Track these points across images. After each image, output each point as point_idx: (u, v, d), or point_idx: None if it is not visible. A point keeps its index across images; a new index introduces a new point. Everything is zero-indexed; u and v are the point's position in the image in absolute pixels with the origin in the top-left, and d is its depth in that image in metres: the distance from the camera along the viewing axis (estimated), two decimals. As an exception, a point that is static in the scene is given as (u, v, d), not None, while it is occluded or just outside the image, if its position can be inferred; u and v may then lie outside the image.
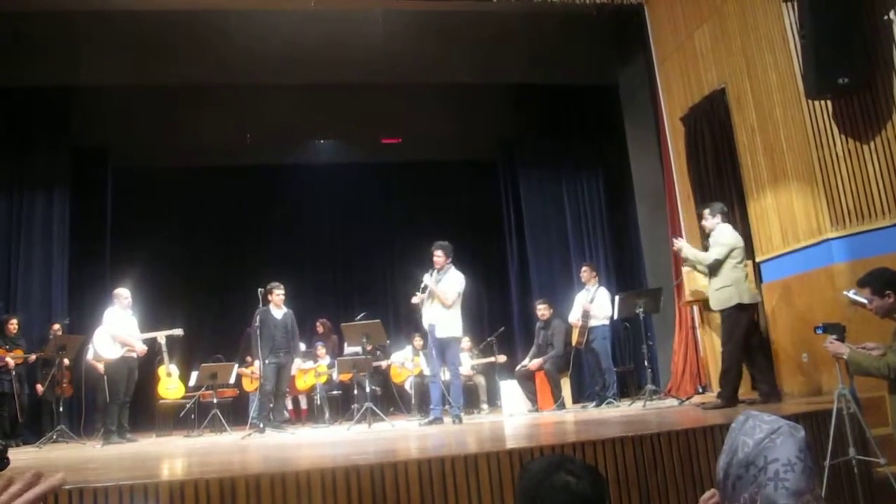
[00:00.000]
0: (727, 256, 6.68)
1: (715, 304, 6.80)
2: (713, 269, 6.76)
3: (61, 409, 9.23)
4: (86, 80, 10.67)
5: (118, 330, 8.75)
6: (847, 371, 4.49)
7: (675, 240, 7.46)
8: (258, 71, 10.71)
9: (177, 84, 10.97)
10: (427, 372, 11.12)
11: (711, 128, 8.42)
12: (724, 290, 6.65)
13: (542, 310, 10.05)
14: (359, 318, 9.63)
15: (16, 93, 10.69)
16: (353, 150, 14.07)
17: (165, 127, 11.86)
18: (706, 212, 7.00)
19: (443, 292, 7.97)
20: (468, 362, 10.84)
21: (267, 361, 8.89)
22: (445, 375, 8.32)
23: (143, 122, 11.61)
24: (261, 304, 8.95)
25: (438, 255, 8.16)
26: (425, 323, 8.19)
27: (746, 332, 6.69)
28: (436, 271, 8.15)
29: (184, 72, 10.68)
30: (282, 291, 9.17)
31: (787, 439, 1.64)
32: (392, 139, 13.71)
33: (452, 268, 8.19)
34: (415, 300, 8.32)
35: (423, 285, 8.10)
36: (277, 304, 9.14)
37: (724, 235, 6.78)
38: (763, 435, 1.65)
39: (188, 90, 11.21)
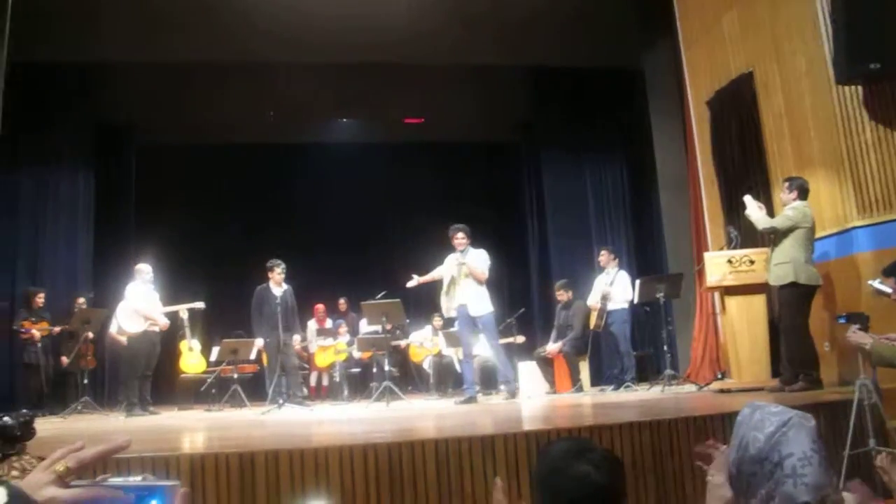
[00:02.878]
0: (787, 230, 6.39)
1: (772, 280, 6.55)
2: (774, 240, 6.52)
3: (86, 381, 9.35)
4: (110, 56, 10.71)
5: (141, 304, 8.84)
6: (869, 361, 4.46)
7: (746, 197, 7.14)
8: (282, 49, 10.69)
9: (200, 61, 10.99)
10: (445, 352, 11.20)
11: (737, 113, 8.33)
12: (782, 267, 6.39)
13: (561, 292, 10.04)
14: (378, 297, 9.66)
15: (41, 69, 10.74)
16: (375, 130, 14.07)
17: (189, 104, 11.91)
18: (785, 185, 6.67)
19: (476, 269, 8.06)
20: (485, 343, 10.84)
21: (267, 339, 8.99)
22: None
23: (167, 98, 11.66)
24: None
25: (460, 238, 8.22)
26: (454, 305, 8.22)
27: (806, 315, 6.37)
28: (459, 253, 8.22)
29: (207, 49, 10.68)
30: (283, 269, 9.21)
31: (798, 431, 1.61)
32: (414, 119, 13.69)
33: (471, 247, 8.27)
34: (410, 284, 8.49)
35: (459, 264, 8.15)
36: (277, 282, 9.17)
37: (792, 209, 6.48)
38: (773, 428, 1.62)
39: (212, 67, 11.22)
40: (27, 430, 1.79)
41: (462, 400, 8.05)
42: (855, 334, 4.37)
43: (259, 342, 9.36)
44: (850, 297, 6.48)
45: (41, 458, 1.61)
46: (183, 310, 9.70)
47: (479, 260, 8.18)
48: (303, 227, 13.54)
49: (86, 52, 10.68)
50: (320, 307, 12.10)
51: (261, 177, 13.90)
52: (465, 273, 8.11)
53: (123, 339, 9.18)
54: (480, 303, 8.08)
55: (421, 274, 8.65)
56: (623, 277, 9.56)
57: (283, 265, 9.22)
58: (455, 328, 10.99)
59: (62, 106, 11.16)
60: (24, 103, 10.44)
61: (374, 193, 14.15)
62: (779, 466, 1.58)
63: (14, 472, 1.55)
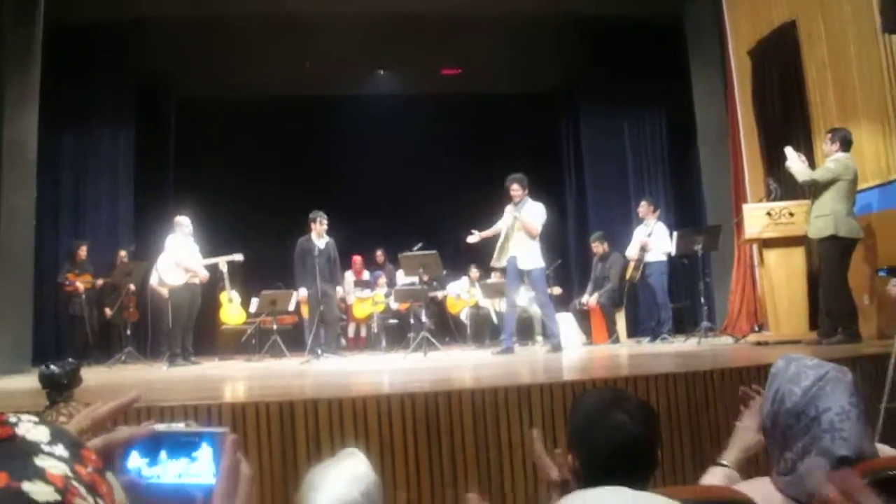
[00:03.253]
0: (829, 182, 6.31)
1: (812, 232, 6.50)
2: (815, 192, 6.43)
3: (129, 332, 9.56)
4: (148, 12, 10.73)
5: (182, 256, 8.97)
6: (909, 314, 4.43)
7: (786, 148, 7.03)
8: (318, 0, 10.66)
9: (237, 14, 10.96)
10: (482, 303, 11.26)
11: (780, 63, 8.17)
12: (821, 220, 6.33)
13: (597, 244, 10.01)
14: (416, 248, 9.69)
15: (80, 27, 10.81)
16: (412, 81, 13.99)
17: (226, 59, 11.90)
18: (828, 136, 6.59)
19: (528, 223, 7.98)
20: (524, 294, 10.88)
21: (309, 290, 9.07)
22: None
23: (204, 53, 11.66)
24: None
25: (515, 189, 8.15)
26: (505, 256, 8.17)
27: (845, 268, 6.28)
28: (513, 205, 8.15)
29: (244, 2, 10.67)
30: (325, 221, 9.28)
31: (836, 385, 1.60)
32: (452, 70, 13.59)
33: (529, 199, 8.19)
34: (471, 239, 8.39)
35: (511, 217, 8.06)
36: (319, 234, 9.25)
37: (834, 162, 6.40)
38: (810, 382, 1.61)
39: (248, 20, 11.19)
40: (74, 378, 1.85)
41: (499, 350, 8.09)
42: (895, 287, 4.32)
43: (302, 293, 9.44)
44: (892, 250, 6.39)
45: (88, 405, 1.67)
46: (222, 262, 9.83)
47: (533, 213, 8.09)
48: (339, 180, 13.56)
49: (123, 9, 10.70)
50: (357, 259, 12.20)
51: (298, 130, 13.91)
52: (517, 227, 8.04)
53: (164, 290, 9.34)
54: (531, 257, 8.02)
55: (481, 229, 8.54)
56: (661, 229, 9.51)
57: (325, 217, 9.29)
58: (491, 280, 11.09)
59: (102, 62, 11.21)
60: (65, 61, 10.55)
61: (410, 145, 14.09)
62: (816, 421, 1.57)
63: (62, 418, 1.62)
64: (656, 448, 1.72)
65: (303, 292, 9.41)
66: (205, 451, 1.04)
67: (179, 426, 1.10)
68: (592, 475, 1.68)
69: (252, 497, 1.03)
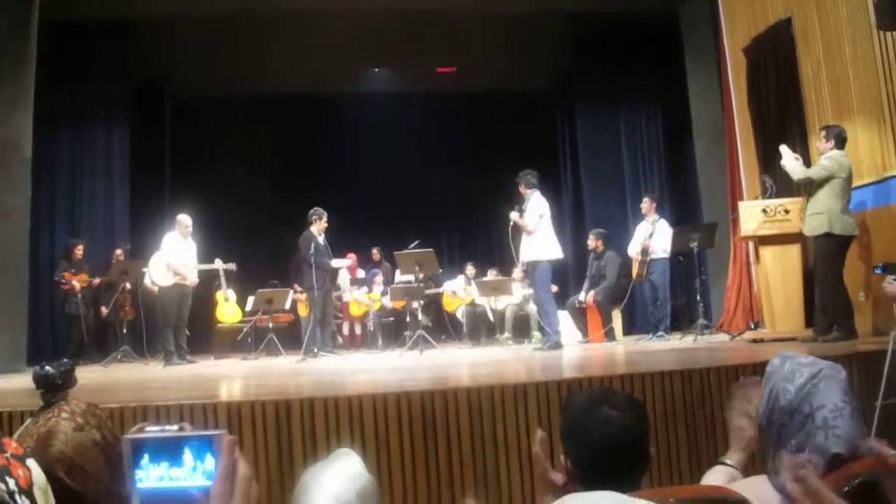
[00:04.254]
0: (823, 180, 6.31)
1: (807, 230, 6.51)
2: (810, 190, 6.44)
3: (125, 330, 9.56)
4: (145, 10, 10.72)
5: (173, 258, 8.94)
6: (904, 311, 4.43)
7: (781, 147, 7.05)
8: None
9: (231, 12, 10.94)
10: (479, 301, 11.27)
11: (775, 60, 8.18)
12: (816, 217, 6.33)
13: (593, 241, 10.03)
14: (412, 246, 9.69)
15: (76, 26, 10.80)
16: (406, 80, 13.99)
17: (221, 57, 11.87)
18: (822, 133, 6.58)
19: (520, 222, 8.16)
20: (519, 292, 10.90)
21: (318, 287, 8.95)
22: None
23: (200, 52, 11.64)
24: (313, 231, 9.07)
25: (521, 188, 8.40)
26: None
27: (840, 265, 6.31)
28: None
29: (238, 0, 10.67)
30: (325, 217, 9.27)
31: (829, 382, 1.61)
32: (446, 68, 13.59)
33: (535, 193, 8.31)
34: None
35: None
36: (320, 231, 9.20)
37: (828, 159, 6.38)
38: (804, 380, 1.62)
39: (243, 18, 11.17)
40: (68, 379, 1.85)
41: (547, 346, 8.10)
42: (891, 284, 4.33)
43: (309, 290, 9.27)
44: (887, 247, 6.40)
45: (88, 404, 1.67)
46: (218, 262, 9.82)
47: (529, 209, 8.20)
48: (335, 176, 13.57)
49: (120, 7, 10.69)
50: (352, 256, 12.18)
51: (293, 128, 13.90)
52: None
53: (155, 289, 9.34)
54: (531, 248, 8.15)
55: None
56: (663, 227, 9.52)
57: (325, 214, 9.25)
58: (487, 277, 11.15)
59: (97, 62, 11.18)
60: (61, 61, 10.55)
61: (406, 143, 14.09)
62: (810, 418, 1.58)
63: (64, 415, 1.62)
64: (647, 443, 1.73)
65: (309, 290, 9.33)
66: (202, 454, 1.04)
67: (172, 428, 1.10)
68: (585, 473, 1.68)
69: (250, 497, 1.03)
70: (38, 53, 9.11)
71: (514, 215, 8.23)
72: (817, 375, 1.62)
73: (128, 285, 9.95)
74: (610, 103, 12.75)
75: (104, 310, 10.39)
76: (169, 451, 1.04)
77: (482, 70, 13.28)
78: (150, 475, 1.04)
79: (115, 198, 11.38)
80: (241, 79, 12.71)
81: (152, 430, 1.09)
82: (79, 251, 10.30)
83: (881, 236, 6.56)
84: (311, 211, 9.23)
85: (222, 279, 10.20)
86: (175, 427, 1.10)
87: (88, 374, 7.30)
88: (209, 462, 1.03)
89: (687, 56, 10.66)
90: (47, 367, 1.79)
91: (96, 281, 10.29)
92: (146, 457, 1.04)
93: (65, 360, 1.88)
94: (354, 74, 13.78)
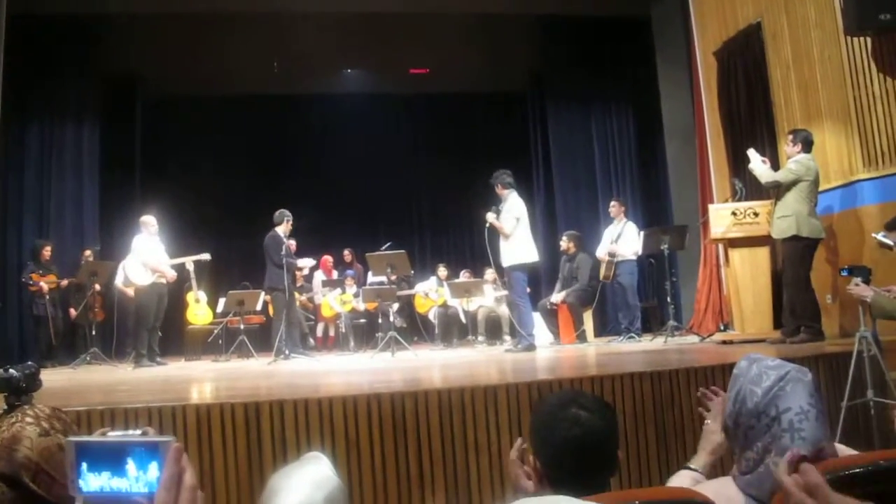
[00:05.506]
0: (791, 183, 6.36)
1: (775, 233, 6.56)
2: (778, 193, 6.49)
3: (94, 332, 9.43)
4: (114, 7, 10.61)
5: (149, 256, 8.87)
6: (870, 314, 4.49)
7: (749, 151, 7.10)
8: (286, -2, 10.63)
9: (204, 11, 10.87)
10: (451, 303, 11.27)
11: (745, 63, 8.26)
12: (784, 220, 6.38)
13: (565, 243, 10.07)
14: (384, 248, 9.67)
15: (45, 22, 10.66)
16: (380, 81, 13.98)
17: (193, 56, 11.81)
18: (790, 137, 6.63)
19: (500, 225, 8.03)
20: (491, 294, 10.91)
21: (280, 287, 8.84)
22: None
23: (171, 50, 11.58)
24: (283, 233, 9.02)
25: (498, 188, 8.25)
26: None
27: (808, 267, 6.37)
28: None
29: (212, -1, 10.62)
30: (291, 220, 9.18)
31: (795, 385, 1.63)
32: (420, 70, 13.60)
33: (511, 194, 8.19)
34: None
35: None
36: (286, 233, 9.10)
37: (795, 163, 6.44)
38: (771, 383, 1.64)
39: (216, 18, 11.10)
40: (32, 382, 1.82)
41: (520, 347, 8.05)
42: (857, 287, 4.39)
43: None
44: (854, 250, 6.49)
45: (53, 408, 1.65)
46: (189, 261, 9.73)
47: (504, 211, 8.10)
48: (307, 177, 13.53)
49: (90, 4, 10.58)
50: (328, 259, 12.12)
51: (266, 128, 13.86)
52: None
53: (130, 291, 9.24)
54: (507, 253, 8.05)
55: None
56: (631, 229, 9.58)
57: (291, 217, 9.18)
58: (459, 279, 11.14)
59: (67, 59, 11.06)
60: (29, 57, 10.42)
61: (379, 144, 14.10)
62: (776, 421, 1.60)
63: (28, 419, 1.60)
64: (616, 444, 1.75)
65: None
66: (146, 462, 1.03)
67: (136, 433, 1.09)
68: (552, 473, 1.69)
69: None
70: (6, 48, 8.97)
71: (490, 216, 8.14)
72: (784, 378, 1.64)
73: (97, 287, 9.85)
74: (582, 104, 12.81)
75: (73, 311, 10.29)
76: (112, 458, 1.03)
77: (455, 71, 13.32)
78: (90, 484, 1.03)
79: (84, 198, 11.23)
80: (214, 78, 12.64)
81: (115, 435, 1.08)
82: (47, 252, 10.17)
83: (848, 239, 6.65)
84: (280, 212, 9.15)
85: (193, 280, 10.11)
86: (138, 432, 1.09)
87: (57, 377, 7.21)
88: (153, 471, 1.02)
89: (658, 58, 10.73)
90: (11, 370, 1.76)
91: (65, 282, 10.17)
92: (85, 465, 1.03)
93: (29, 362, 1.85)
94: (327, 75, 13.74)
